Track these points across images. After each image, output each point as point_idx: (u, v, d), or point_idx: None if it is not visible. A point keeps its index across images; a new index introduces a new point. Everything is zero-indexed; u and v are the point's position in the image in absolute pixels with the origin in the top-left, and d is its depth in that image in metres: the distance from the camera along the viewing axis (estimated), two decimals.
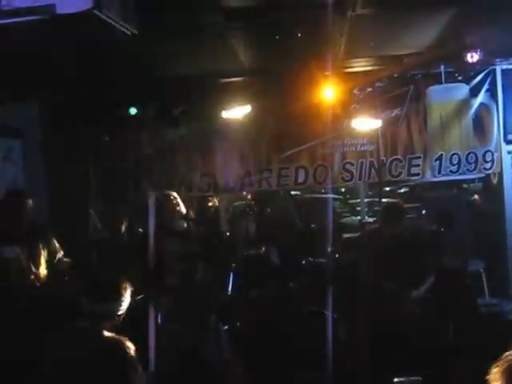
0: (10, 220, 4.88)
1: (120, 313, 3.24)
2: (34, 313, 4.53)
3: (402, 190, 10.46)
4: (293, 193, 9.69)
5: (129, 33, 3.23)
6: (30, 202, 4.97)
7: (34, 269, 4.83)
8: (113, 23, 3.04)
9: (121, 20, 3.09)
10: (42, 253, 4.97)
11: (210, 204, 8.16)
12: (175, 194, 5.60)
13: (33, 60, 4.95)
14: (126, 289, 3.28)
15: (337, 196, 10.25)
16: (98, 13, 2.90)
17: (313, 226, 7.41)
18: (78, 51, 4.37)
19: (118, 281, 3.32)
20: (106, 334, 3.09)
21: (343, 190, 10.80)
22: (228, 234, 7.21)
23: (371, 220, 7.26)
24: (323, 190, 8.93)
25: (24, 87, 6.31)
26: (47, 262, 4.97)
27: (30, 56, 4.53)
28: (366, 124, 7.20)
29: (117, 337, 3.09)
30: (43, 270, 4.93)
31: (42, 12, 2.90)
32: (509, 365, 2.04)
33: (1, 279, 4.66)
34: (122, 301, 3.23)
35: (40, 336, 3.22)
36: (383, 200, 7.42)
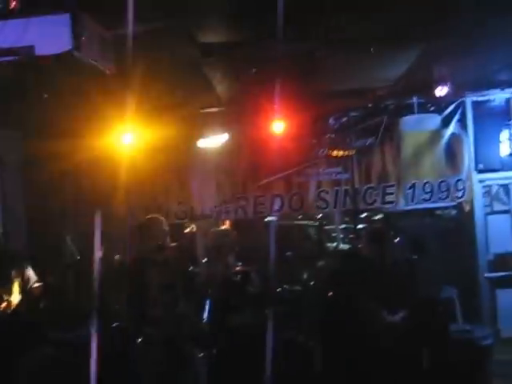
0: None
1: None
2: (4, 338, 4.53)
3: (377, 217, 10.54)
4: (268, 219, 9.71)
5: (107, 71, 3.30)
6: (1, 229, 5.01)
7: (5, 296, 4.83)
8: (93, 63, 3.10)
9: (100, 60, 3.16)
10: (15, 280, 4.97)
11: (188, 231, 8.18)
12: (161, 218, 5.65)
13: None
14: (94, 317, 3.26)
15: (312, 223, 10.28)
16: (78, 54, 2.95)
17: (288, 253, 7.46)
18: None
19: (86, 309, 3.31)
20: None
21: (319, 216, 10.82)
22: (206, 261, 7.22)
23: (346, 246, 7.35)
24: (300, 217, 8.99)
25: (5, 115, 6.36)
26: (21, 288, 4.98)
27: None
28: (341, 153, 7.38)
29: None
30: (15, 298, 4.92)
31: (21, 53, 2.95)
32: None
33: None
34: (89, 329, 3.21)
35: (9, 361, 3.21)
36: (360, 226, 7.53)
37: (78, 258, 7.46)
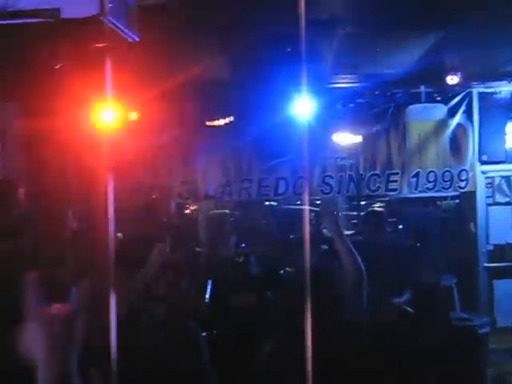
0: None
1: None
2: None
3: (377, 205, 10.55)
4: (270, 203, 9.72)
5: (131, 40, 3.22)
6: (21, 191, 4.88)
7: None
8: (118, 31, 3.03)
9: (125, 27, 3.08)
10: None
11: (190, 211, 8.15)
12: (167, 198, 5.60)
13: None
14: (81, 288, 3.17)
15: (313, 208, 10.26)
16: (104, 19, 2.88)
17: (292, 236, 7.44)
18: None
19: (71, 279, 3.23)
20: None
21: (318, 202, 10.80)
22: (207, 241, 7.20)
23: (348, 233, 7.32)
24: (299, 202, 8.97)
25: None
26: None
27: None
28: (347, 139, 7.35)
29: None
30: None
31: (46, 15, 2.87)
32: None
33: None
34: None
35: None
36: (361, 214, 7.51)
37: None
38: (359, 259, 4.24)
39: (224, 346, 5.95)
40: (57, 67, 4.72)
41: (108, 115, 5.93)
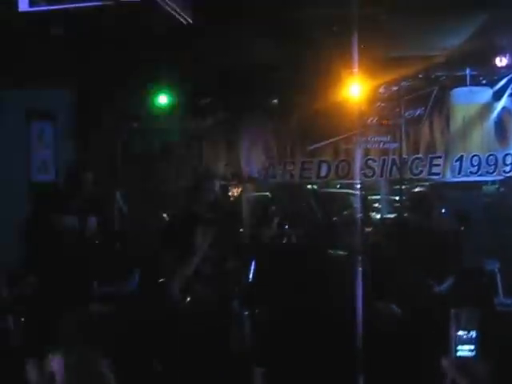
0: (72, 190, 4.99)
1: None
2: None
3: (417, 190, 10.46)
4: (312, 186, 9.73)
5: (185, 22, 3.27)
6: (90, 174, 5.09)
7: None
8: (172, 12, 3.07)
9: (179, 9, 3.12)
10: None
11: (234, 193, 8.20)
12: (214, 179, 5.68)
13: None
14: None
15: (354, 192, 10.22)
16: (159, 1, 2.92)
17: (335, 218, 7.45)
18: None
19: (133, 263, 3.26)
20: None
21: (358, 186, 10.75)
22: (250, 223, 7.26)
23: (391, 216, 7.31)
24: (338, 186, 8.98)
25: (58, 73, 6.38)
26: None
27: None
28: (390, 122, 7.31)
29: None
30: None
31: None
32: None
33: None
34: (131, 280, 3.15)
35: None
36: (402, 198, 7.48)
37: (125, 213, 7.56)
38: None
39: (266, 325, 6.02)
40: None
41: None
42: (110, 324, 3.22)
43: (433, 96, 7.47)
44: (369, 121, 7.45)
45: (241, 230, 7.06)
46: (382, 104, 7.48)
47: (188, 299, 5.14)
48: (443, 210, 8.13)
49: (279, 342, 5.49)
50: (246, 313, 5.97)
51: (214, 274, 5.40)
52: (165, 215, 7.27)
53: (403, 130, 7.46)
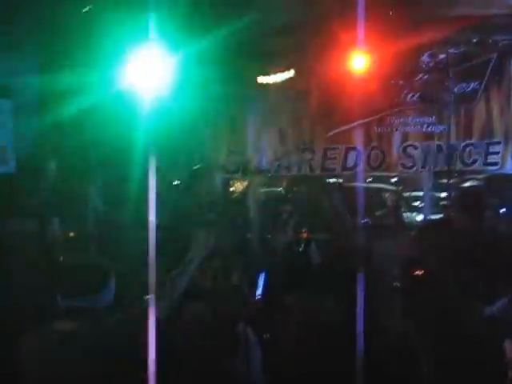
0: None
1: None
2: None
3: (468, 184, 10.37)
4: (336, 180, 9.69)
5: None
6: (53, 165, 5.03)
7: None
8: None
9: None
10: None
11: (239, 189, 8.19)
12: (213, 170, 5.62)
13: None
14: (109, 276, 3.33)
15: (389, 187, 10.20)
16: None
17: (366, 220, 7.39)
18: None
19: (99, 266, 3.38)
20: None
21: (394, 179, 10.77)
22: (260, 226, 7.20)
23: (434, 217, 7.24)
24: (369, 180, 8.96)
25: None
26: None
27: None
28: (435, 99, 7.28)
29: None
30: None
31: None
32: None
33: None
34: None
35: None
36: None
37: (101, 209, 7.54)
38: None
39: (279, 352, 5.94)
40: None
41: None
42: (78, 344, 3.25)
43: (490, 66, 7.41)
44: (408, 97, 7.48)
45: (247, 234, 7.01)
46: (426, 76, 7.47)
47: (181, 321, 5.08)
48: (502, 210, 8.06)
49: (295, 375, 5.41)
50: (255, 338, 5.90)
51: (214, 290, 5.31)
52: (151, 218, 7.19)
53: (452, 109, 7.42)
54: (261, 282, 6.45)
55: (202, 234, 5.39)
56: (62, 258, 4.91)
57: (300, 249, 6.84)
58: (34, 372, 3.22)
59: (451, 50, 7.37)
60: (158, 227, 5.95)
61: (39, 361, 3.19)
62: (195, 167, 6.99)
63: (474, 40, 7.30)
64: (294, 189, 8.31)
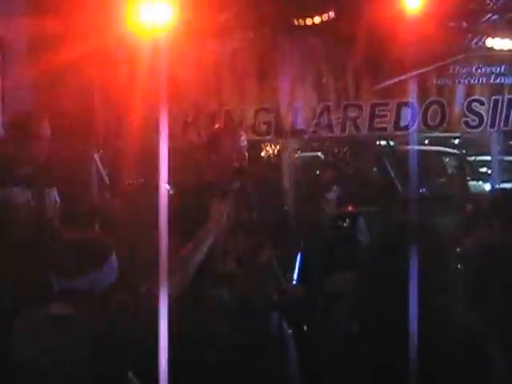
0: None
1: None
2: None
3: None
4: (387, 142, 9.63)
5: None
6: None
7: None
8: None
9: None
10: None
11: (270, 153, 8.16)
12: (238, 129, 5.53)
13: None
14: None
15: (450, 150, 10.15)
16: None
17: (422, 190, 7.32)
18: None
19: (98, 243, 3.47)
20: None
21: (456, 141, 10.70)
22: (295, 197, 7.11)
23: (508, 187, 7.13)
24: (427, 142, 8.90)
25: None
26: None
27: None
28: (506, 44, 7.17)
29: None
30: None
31: None
32: None
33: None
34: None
35: None
36: None
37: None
38: None
39: (320, 350, 5.86)
40: None
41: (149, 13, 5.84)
42: (75, 330, 3.30)
43: None
44: (473, 43, 7.34)
45: (282, 206, 6.94)
46: (495, 16, 7.29)
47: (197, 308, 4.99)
48: None
49: (339, 377, 5.31)
50: (290, 331, 5.83)
51: (238, 272, 5.19)
52: (166, 185, 7.16)
53: None
54: (297, 264, 6.36)
55: (222, 202, 5.27)
56: (58, 234, 4.86)
57: (344, 224, 6.76)
58: (24, 360, 3.27)
59: None
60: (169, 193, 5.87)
61: (29, 348, 3.26)
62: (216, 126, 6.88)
63: None
64: (336, 152, 8.27)
